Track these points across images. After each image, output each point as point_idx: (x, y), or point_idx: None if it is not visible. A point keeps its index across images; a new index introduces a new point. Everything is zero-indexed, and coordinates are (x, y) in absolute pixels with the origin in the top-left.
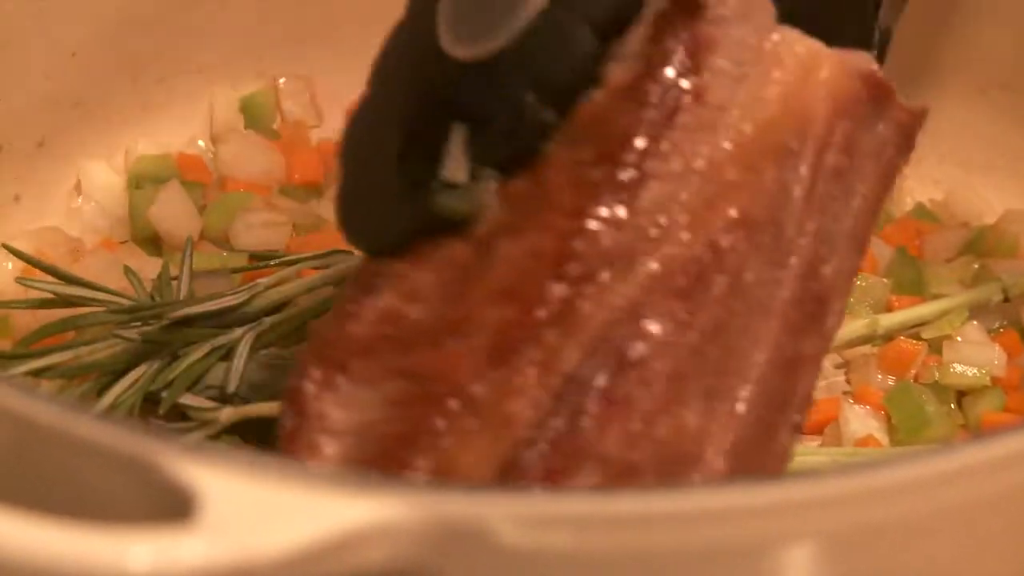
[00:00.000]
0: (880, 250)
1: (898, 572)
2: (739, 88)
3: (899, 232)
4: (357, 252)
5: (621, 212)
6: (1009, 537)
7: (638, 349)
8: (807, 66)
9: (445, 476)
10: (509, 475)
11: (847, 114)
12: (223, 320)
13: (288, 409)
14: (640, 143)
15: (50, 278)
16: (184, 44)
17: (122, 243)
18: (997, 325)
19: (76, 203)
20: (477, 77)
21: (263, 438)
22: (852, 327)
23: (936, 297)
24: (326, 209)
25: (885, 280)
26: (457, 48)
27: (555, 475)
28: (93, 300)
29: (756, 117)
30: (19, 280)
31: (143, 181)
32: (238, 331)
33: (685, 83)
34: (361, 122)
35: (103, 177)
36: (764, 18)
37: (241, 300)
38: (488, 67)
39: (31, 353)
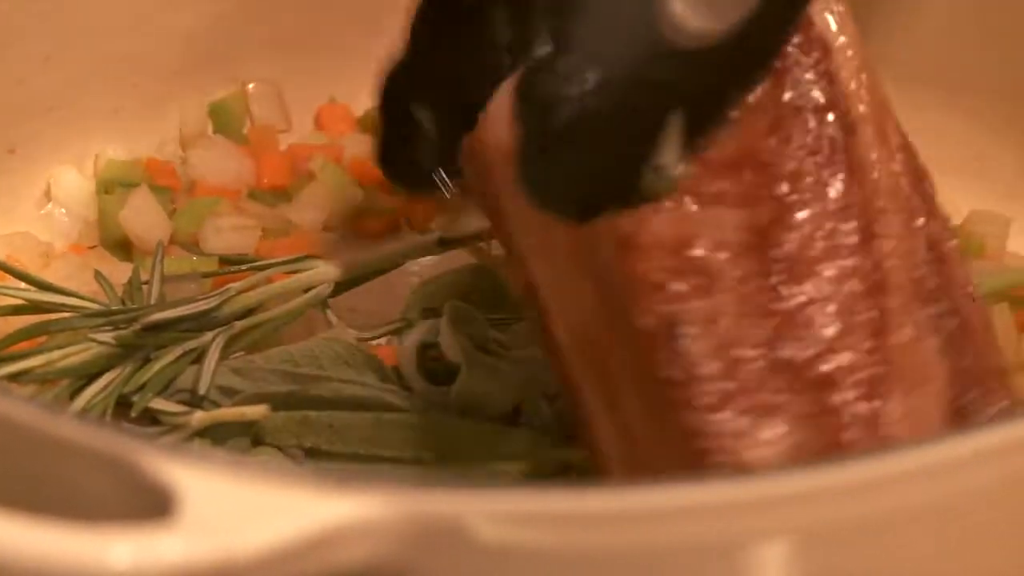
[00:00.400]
0: None
1: (872, 568)
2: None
3: None
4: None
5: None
6: (985, 533)
7: None
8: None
9: None
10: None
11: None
12: (194, 324)
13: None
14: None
15: (22, 284)
16: (154, 50)
17: (92, 248)
18: None
19: (46, 208)
20: (699, 66)
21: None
22: None
23: None
24: (295, 213)
25: None
26: (689, 30)
27: None
28: (64, 306)
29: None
30: None
31: (113, 186)
32: (209, 335)
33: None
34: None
35: (73, 182)
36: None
37: (212, 305)
38: (707, 55)
39: (4, 358)
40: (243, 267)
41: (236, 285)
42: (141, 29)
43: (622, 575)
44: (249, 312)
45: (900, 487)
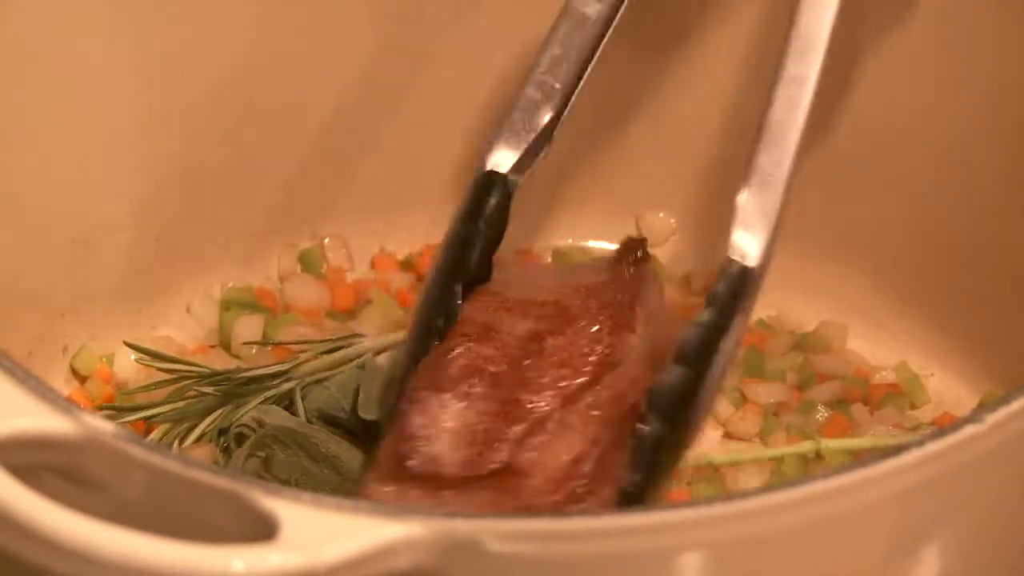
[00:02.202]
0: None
1: (766, 570)
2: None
3: (748, 337)
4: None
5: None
6: (850, 545)
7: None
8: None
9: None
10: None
11: None
12: (272, 382)
13: (405, 415)
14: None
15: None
16: (261, 218)
17: (212, 347)
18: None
19: (185, 319)
20: None
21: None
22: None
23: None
24: (358, 326)
25: (738, 369)
26: None
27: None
28: (188, 373)
29: (664, 334)
30: (138, 360)
31: (231, 305)
32: (285, 386)
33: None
34: None
35: (206, 303)
36: (662, 288)
37: (286, 367)
38: None
39: (142, 405)
40: (315, 340)
41: (304, 355)
42: (250, 199)
43: (588, 574)
44: (313, 372)
45: (773, 515)
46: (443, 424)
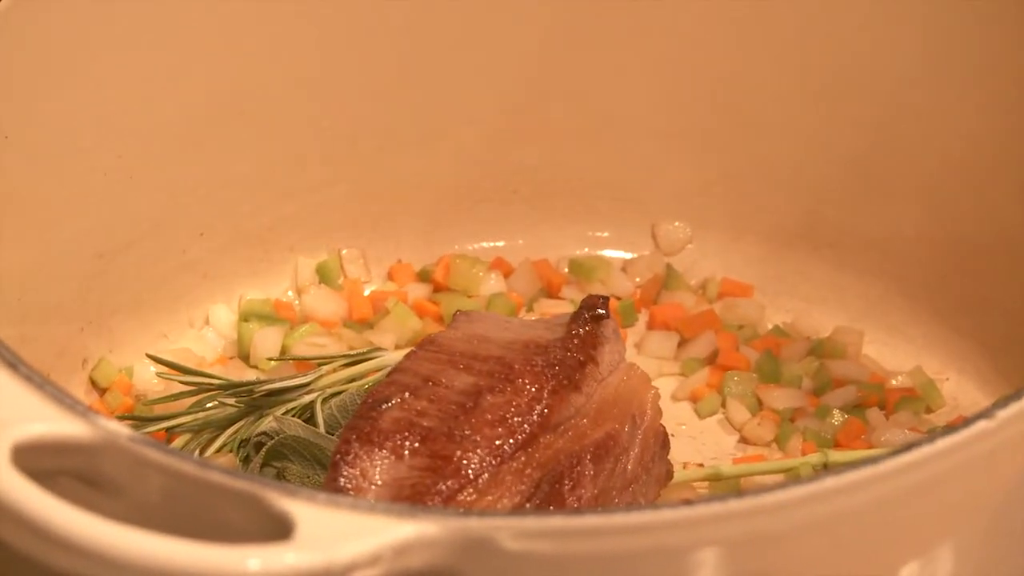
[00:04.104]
0: (750, 354)
1: (779, 567)
2: (610, 372)
3: (764, 343)
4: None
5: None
6: (858, 540)
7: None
8: (645, 380)
9: None
10: None
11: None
12: (293, 394)
13: (336, 466)
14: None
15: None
16: (279, 230)
17: (231, 359)
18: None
19: (204, 331)
20: None
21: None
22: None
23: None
24: (376, 336)
25: (754, 375)
26: None
27: None
28: (208, 385)
29: (615, 391)
30: (159, 373)
31: (250, 317)
32: (306, 398)
33: (592, 352)
34: None
35: (224, 315)
36: (622, 347)
37: (308, 380)
38: None
39: (163, 416)
40: (336, 355)
41: (326, 367)
42: (268, 214)
43: (602, 572)
44: (333, 384)
45: (787, 511)
46: (372, 478)
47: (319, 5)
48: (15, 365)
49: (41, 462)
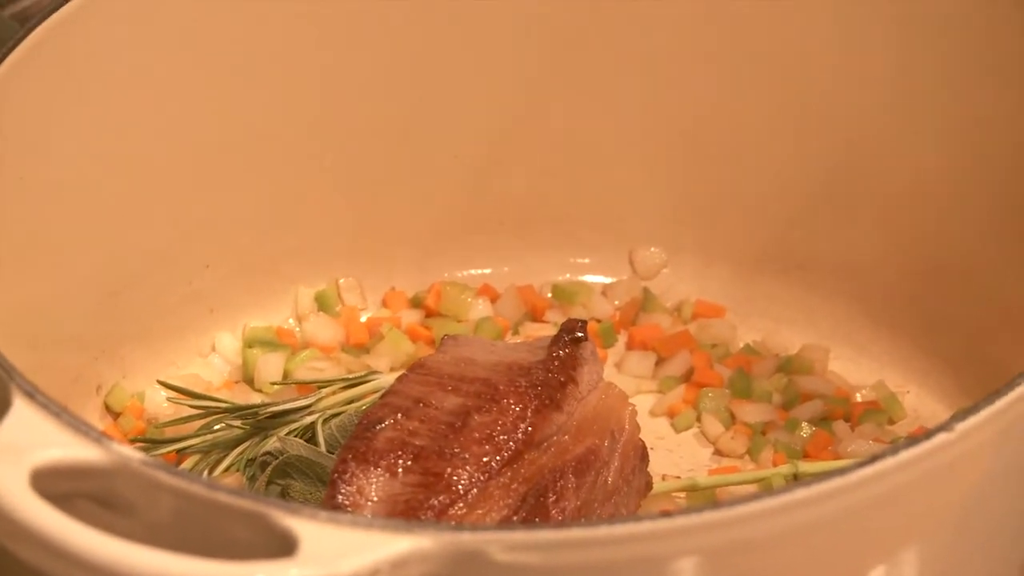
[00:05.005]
0: (723, 371)
1: (755, 573)
2: (589, 391)
3: (736, 361)
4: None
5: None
6: (828, 547)
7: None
8: (623, 398)
9: None
10: None
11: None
12: (296, 415)
13: (334, 484)
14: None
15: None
16: (281, 259)
17: (236, 383)
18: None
19: (209, 357)
20: None
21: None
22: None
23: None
24: (372, 360)
25: (727, 391)
26: None
27: None
28: (216, 408)
29: (595, 409)
30: (170, 397)
31: (254, 343)
32: (307, 419)
33: (572, 372)
34: None
35: (229, 342)
36: (600, 368)
37: (309, 402)
38: None
39: (173, 438)
40: (336, 379)
41: (325, 390)
42: (269, 246)
43: None
44: (333, 406)
45: (760, 521)
46: (368, 494)
47: (318, 54)
48: (32, 394)
49: (59, 485)
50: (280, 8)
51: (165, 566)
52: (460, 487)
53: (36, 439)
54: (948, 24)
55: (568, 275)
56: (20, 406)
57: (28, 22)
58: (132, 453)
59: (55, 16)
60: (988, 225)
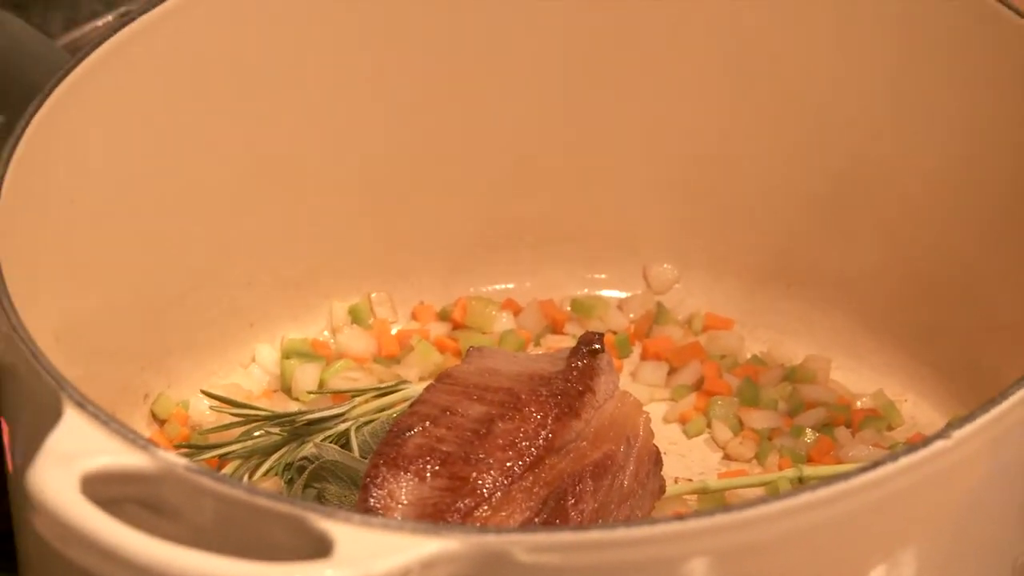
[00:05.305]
0: (732, 380)
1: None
2: (605, 399)
3: (743, 371)
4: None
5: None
6: (831, 547)
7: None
8: (637, 406)
9: None
10: None
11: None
12: (331, 423)
13: (366, 488)
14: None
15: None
16: (315, 278)
17: (275, 392)
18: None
19: (251, 368)
20: None
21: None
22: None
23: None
24: (402, 371)
25: (736, 399)
26: None
27: None
28: (255, 416)
29: (611, 416)
30: (212, 406)
31: (291, 355)
32: (342, 426)
33: (589, 382)
34: None
35: (268, 354)
36: (616, 377)
37: (344, 410)
38: None
39: (216, 444)
40: (368, 388)
41: (358, 399)
42: (305, 264)
43: None
44: (365, 414)
45: (767, 524)
46: (398, 498)
47: (351, 84)
48: (83, 404)
49: (108, 491)
50: (312, 39)
51: (208, 567)
52: (485, 491)
53: (86, 447)
54: (947, 41)
55: (586, 290)
56: (71, 415)
57: (79, 52)
58: (177, 460)
59: (103, 47)
60: (982, 240)
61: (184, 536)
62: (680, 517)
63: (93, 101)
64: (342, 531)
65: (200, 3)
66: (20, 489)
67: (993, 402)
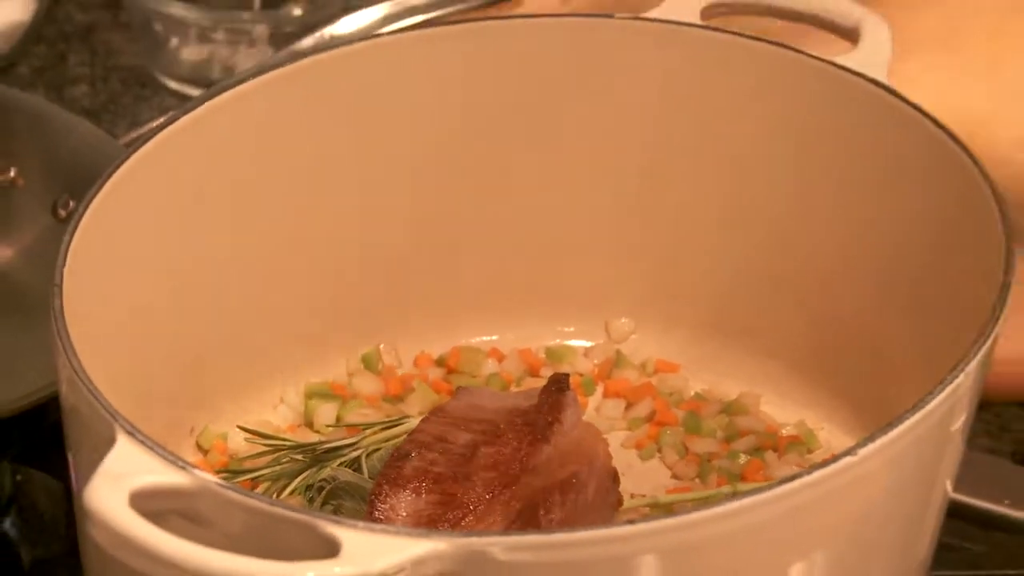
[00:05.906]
0: (678, 413)
1: (700, 569)
2: (571, 428)
3: (688, 406)
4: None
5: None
6: (757, 548)
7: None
8: (598, 434)
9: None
10: None
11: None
12: (344, 451)
13: (371, 503)
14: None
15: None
16: (332, 332)
17: (299, 426)
18: None
19: (279, 408)
20: None
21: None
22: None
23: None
24: (406, 408)
25: (682, 428)
26: None
27: None
28: (282, 446)
29: (576, 442)
30: (247, 438)
31: (313, 396)
32: (354, 453)
33: (558, 414)
34: None
35: (293, 395)
36: (580, 410)
37: (355, 440)
38: None
39: (250, 469)
40: (376, 422)
41: (369, 431)
42: (324, 322)
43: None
44: (374, 443)
45: (702, 527)
46: (398, 511)
47: (357, 176)
48: (132, 433)
49: (152, 505)
50: (328, 130)
51: (237, 567)
52: (470, 504)
53: (134, 468)
54: (840, 147)
55: (557, 340)
56: (122, 442)
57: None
58: (210, 478)
59: (151, 142)
60: (875, 301)
61: (217, 541)
62: (631, 521)
63: (144, 183)
64: (348, 535)
65: (230, 107)
66: (80, 505)
67: (890, 426)
